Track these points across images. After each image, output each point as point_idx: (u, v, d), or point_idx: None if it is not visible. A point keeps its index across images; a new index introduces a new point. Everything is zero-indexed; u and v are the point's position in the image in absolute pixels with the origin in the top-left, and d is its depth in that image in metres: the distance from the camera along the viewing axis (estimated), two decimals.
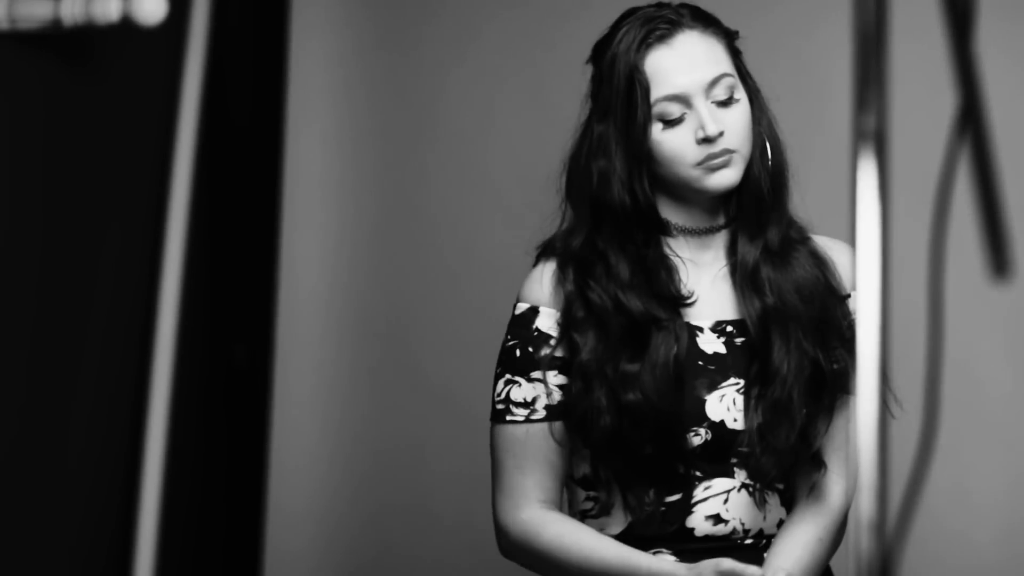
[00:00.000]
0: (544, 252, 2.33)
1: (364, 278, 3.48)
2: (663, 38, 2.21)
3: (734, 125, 2.22)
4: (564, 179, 2.32)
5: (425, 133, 3.46)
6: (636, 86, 2.20)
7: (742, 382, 2.24)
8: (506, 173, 3.40)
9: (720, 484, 2.25)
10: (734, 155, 2.22)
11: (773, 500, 2.28)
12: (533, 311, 2.29)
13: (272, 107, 3.37)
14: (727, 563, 2.15)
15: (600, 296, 2.24)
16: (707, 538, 2.25)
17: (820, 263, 2.30)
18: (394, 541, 3.44)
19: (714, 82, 2.21)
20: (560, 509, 2.31)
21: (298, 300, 3.45)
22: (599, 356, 2.22)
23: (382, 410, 3.46)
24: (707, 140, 2.20)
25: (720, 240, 2.31)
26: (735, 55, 2.27)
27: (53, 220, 2.22)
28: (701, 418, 2.22)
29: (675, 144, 2.21)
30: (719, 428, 2.23)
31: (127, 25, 2.00)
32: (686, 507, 2.25)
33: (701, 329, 2.27)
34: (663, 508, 2.25)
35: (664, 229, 2.28)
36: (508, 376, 2.29)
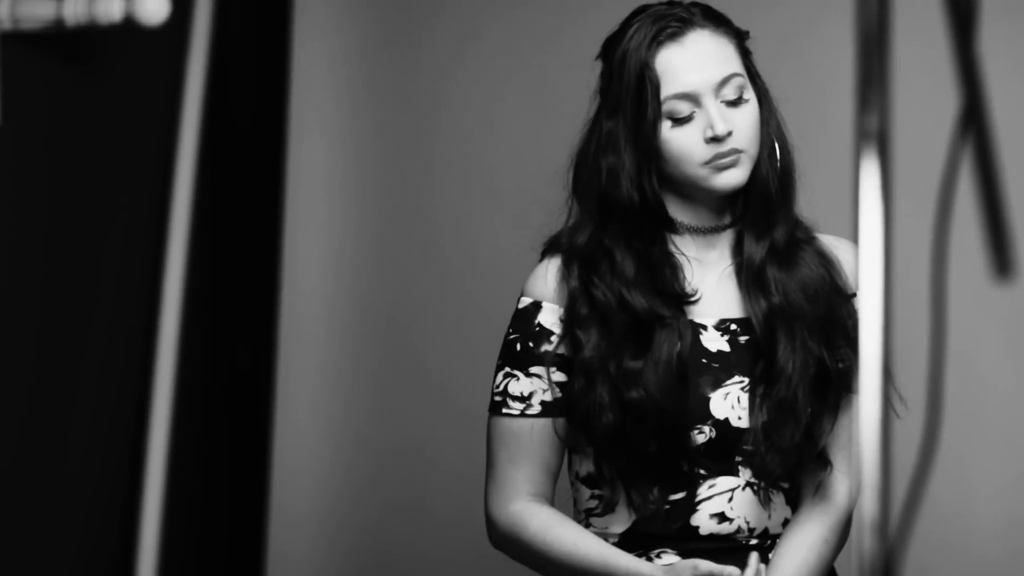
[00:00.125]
0: (549, 248, 2.33)
1: (367, 278, 3.48)
2: (674, 36, 2.22)
3: (743, 125, 2.22)
4: (571, 175, 2.32)
5: (427, 133, 3.46)
6: (646, 83, 2.20)
7: (747, 380, 2.24)
8: (509, 173, 3.40)
9: (725, 482, 2.25)
10: (742, 155, 2.22)
11: (778, 499, 2.28)
12: (536, 306, 2.30)
13: (275, 107, 3.38)
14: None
15: (604, 293, 2.24)
16: (712, 537, 2.25)
17: (826, 262, 2.30)
18: (396, 541, 3.44)
19: (724, 82, 2.22)
20: (553, 504, 2.32)
21: (301, 300, 3.45)
22: (602, 353, 2.23)
23: (385, 410, 3.46)
24: (715, 139, 2.20)
25: (726, 239, 2.31)
26: (745, 55, 2.27)
27: (56, 220, 2.22)
28: (705, 416, 2.22)
29: (683, 142, 2.21)
30: (723, 426, 2.23)
31: (130, 25, 2.00)
32: (690, 505, 2.25)
33: (705, 327, 2.27)
34: (667, 506, 2.25)
35: (671, 227, 2.29)
36: (507, 369, 2.30)
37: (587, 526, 2.31)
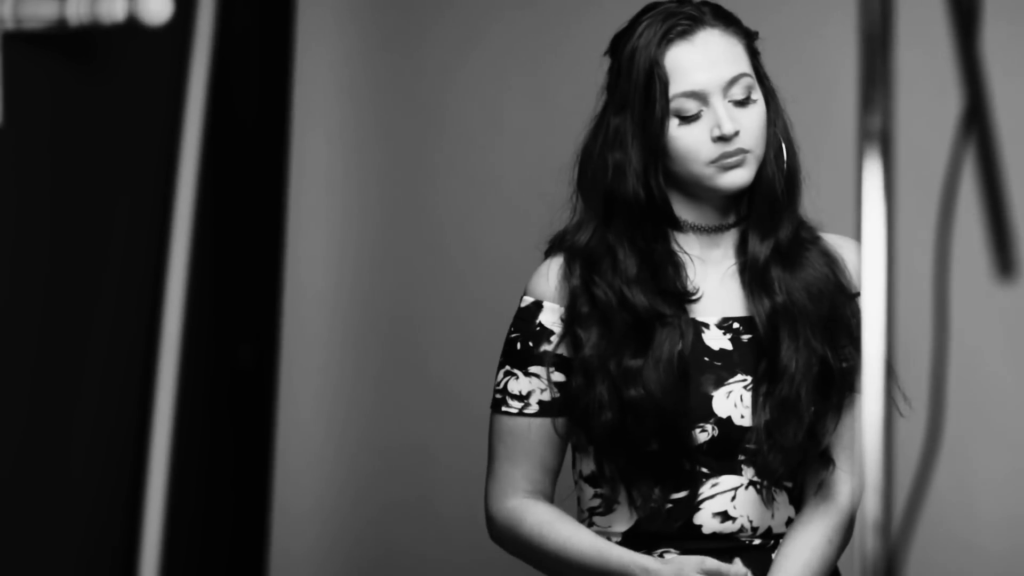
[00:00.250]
0: (553, 246, 2.33)
1: (369, 278, 3.48)
2: (684, 34, 2.22)
3: (750, 125, 2.22)
4: (576, 171, 2.32)
5: (430, 133, 3.47)
6: (655, 80, 2.21)
7: (749, 379, 2.25)
8: (511, 173, 3.40)
9: (727, 481, 2.25)
10: (748, 155, 2.23)
11: (781, 498, 2.28)
12: (537, 305, 2.30)
13: (277, 107, 3.38)
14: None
15: (605, 292, 2.24)
16: (714, 536, 2.26)
17: (831, 261, 2.31)
18: (399, 541, 3.44)
19: (732, 81, 2.22)
20: (552, 502, 2.33)
21: (304, 300, 3.46)
22: (602, 352, 2.23)
23: (387, 410, 3.46)
24: (722, 139, 2.20)
25: (730, 238, 2.31)
26: (754, 56, 2.27)
27: (59, 220, 2.22)
28: (708, 414, 2.22)
29: (690, 141, 2.21)
30: (726, 424, 2.23)
31: (133, 25, 2.00)
32: (693, 504, 2.25)
33: (707, 325, 2.27)
34: (669, 505, 2.25)
35: (675, 224, 2.29)
36: (508, 367, 2.31)
37: (590, 525, 2.31)
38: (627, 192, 2.24)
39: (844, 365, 2.26)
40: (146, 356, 2.45)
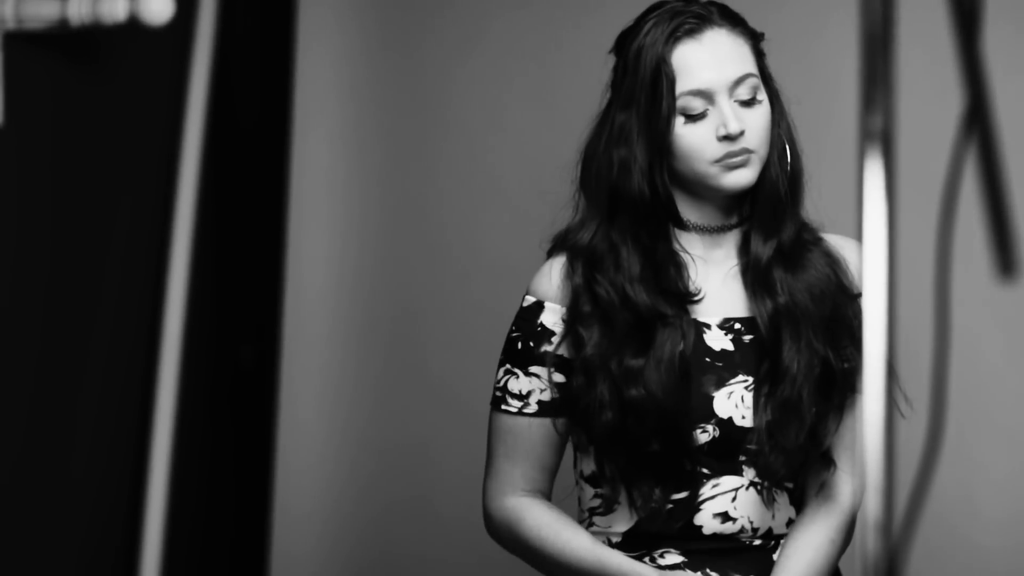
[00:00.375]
0: (556, 245, 2.33)
1: (371, 278, 3.48)
2: (692, 32, 2.22)
3: (755, 126, 2.22)
4: (579, 169, 2.32)
5: (432, 133, 3.47)
6: (662, 77, 2.21)
7: (751, 379, 2.25)
8: (513, 172, 3.40)
9: (728, 482, 2.25)
10: (752, 156, 2.23)
11: (782, 499, 2.28)
12: (539, 306, 2.30)
13: (279, 107, 3.38)
14: None
15: (607, 290, 2.24)
16: (715, 536, 2.26)
17: (833, 262, 2.31)
18: (400, 541, 3.44)
19: (739, 81, 2.22)
20: (550, 500, 2.33)
21: (305, 301, 3.46)
22: (603, 351, 2.23)
23: (388, 410, 3.46)
24: (728, 138, 2.20)
25: (732, 239, 2.31)
26: (759, 56, 2.27)
27: (60, 220, 2.22)
28: (709, 415, 2.22)
29: (695, 139, 2.21)
30: (727, 425, 2.23)
31: (134, 25, 2.00)
32: (693, 505, 2.25)
33: (708, 326, 2.27)
34: (670, 506, 2.25)
35: (679, 223, 2.29)
36: (508, 366, 2.31)
37: (590, 525, 2.31)
38: (632, 189, 2.24)
39: (845, 366, 2.26)
40: (147, 356, 2.45)
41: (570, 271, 2.28)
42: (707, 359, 2.25)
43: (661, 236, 2.27)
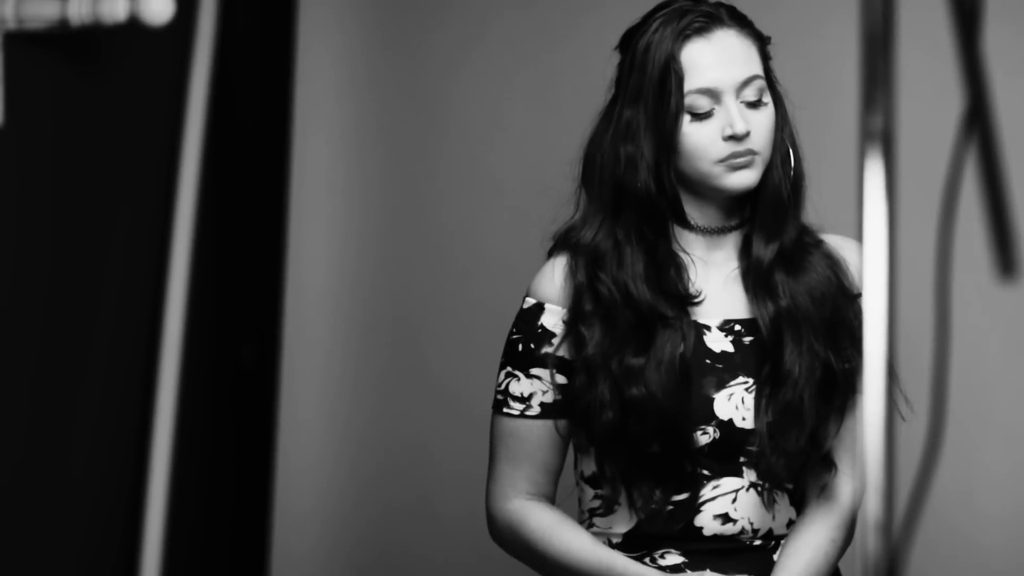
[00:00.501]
0: (557, 244, 2.33)
1: (371, 278, 3.48)
2: (701, 31, 2.22)
3: (760, 128, 2.22)
4: (581, 166, 2.32)
5: (431, 133, 3.47)
6: (671, 74, 2.21)
7: (751, 381, 2.25)
8: (513, 172, 3.40)
9: (728, 483, 2.25)
10: (756, 157, 2.23)
11: (782, 500, 2.28)
12: (539, 307, 2.30)
13: (279, 107, 3.38)
14: None
15: (609, 288, 2.24)
16: (715, 537, 2.26)
17: (833, 264, 2.31)
18: (400, 542, 3.44)
19: (746, 82, 2.22)
20: (553, 502, 2.33)
21: (305, 301, 3.46)
22: (605, 350, 2.23)
23: (389, 411, 3.46)
24: (733, 138, 2.20)
25: (732, 240, 2.31)
26: (766, 60, 2.28)
27: (60, 220, 2.22)
28: (709, 416, 2.22)
29: (700, 138, 2.21)
30: (727, 427, 2.23)
31: (134, 25, 2.00)
32: (693, 506, 2.25)
33: (708, 328, 2.27)
34: (670, 507, 2.25)
35: (683, 221, 2.29)
36: (509, 369, 2.31)
37: (590, 526, 2.31)
38: (638, 185, 2.24)
39: (846, 367, 2.26)
40: (148, 356, 2.45)
41: (572, 270, 2.28)
42: (707, 361, 2.25)
43: (662, 236, 2.27)
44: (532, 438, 2.30)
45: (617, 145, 2.25)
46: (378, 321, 3.48)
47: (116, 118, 2.33)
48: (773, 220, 2.28)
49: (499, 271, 3.31)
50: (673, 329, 2.23)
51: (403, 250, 3.47)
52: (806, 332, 2.24)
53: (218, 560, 3.07)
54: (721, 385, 2.24)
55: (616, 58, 2.31)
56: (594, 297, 2.25)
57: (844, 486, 2.30)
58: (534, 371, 2.29)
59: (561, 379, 2.28)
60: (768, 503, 2.27)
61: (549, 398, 2.28)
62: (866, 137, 1.29)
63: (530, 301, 2.31)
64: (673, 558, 2.26)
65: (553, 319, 2.29)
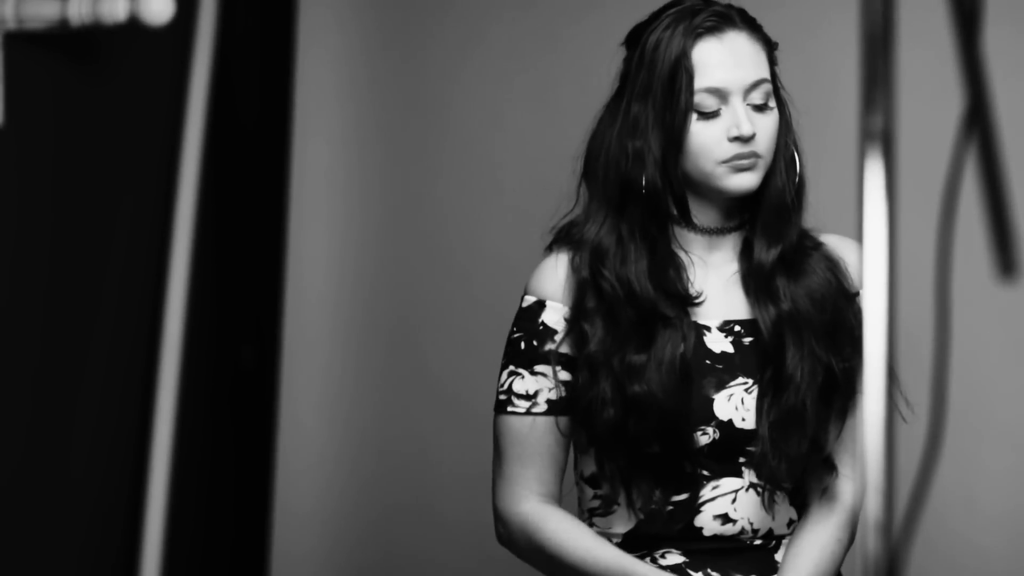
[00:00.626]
0: (558, 240, 2.33)
1: (371, 279, 3.48)
2: (713, 31, 2.22)
3: (764, 132, 2.23)
4: (583, 160, 2.32)
5: (431, 133, 3.47)
6: (681, 71, 2.21)
7: (751, 381, 2.25)
8: (514, 173, 3.40)
9: (728, 484, 2.25)
10: (759, 161, 2.23)
11: (782, 500, 2.28)
12: (540, 305, 2.29)
13: (279, 107, 3.38)
14: None
15: (612, 285, 2.23)
16: (716, 538, 2.26)
17: (832, 265, 2.31)
18: (400, 542, 3.44)
19: (754, 85, 2.22)
20: (560, 503, 2.32)
21: (305, 301, 3.46)
22: (607, 347, 2.22)
23: (389, 411, 3.46)
24: (739, 139, 2.21)
25: (730, 242, 2.31)
26: (772, 65, 2.28)
27: (60, 221, 2.22)
28: (709, 417, 2.22)
29: (706, 137, 2.22)
30: (727, 427, 2.23)
31: (134, 25, 2.00)
32: (693, 507, 2.25)
33: (708, 328, 2.27)
34: (670, 507, 2.25)
35: (686, 219, 2.28)
36: (512, 368, 2.30)
37: (590, 526, 2.31)
38: (645, 180, 2.23)
39: (844, 366, 2.26)
40: (148, 357, 2.45)
41: (576, 267, 2.28)
42: (707, 361, 2.25)
43: (662, 234, 2.27)
44: (540, 435, 2.28)
45: (624, 140, 2.25)
46: (378, 321, 3.48)
47: (116, 118, 2.33)
48: (776, 224, 2.28)
49: (499, 271, 3.31)
50: (674, 329, 2.23)
51: (403, 250, 3.47)
52: (807, 336, 2.24)
53: (218, 560, 3.07)
54: (721, 386, 2.24)
55: (619, 54, 2.31)
56: (597, 294, 2.25)
57: (845, 485, 2.30)
58: (538, 368, 2.28)
59: (565, 375, 2.27)
60: (768, 503, 2.27)
61: (555, 395, 2.27)
62: (866, 137, 1.29)
63: (530, 299, 2.31)
64: (674, 558, 2.26)
65: (555, 316, 2.28)
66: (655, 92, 2.22)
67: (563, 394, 2.27)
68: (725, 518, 2.26)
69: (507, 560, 2.41)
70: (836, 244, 2.34)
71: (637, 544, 2.27)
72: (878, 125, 1.29)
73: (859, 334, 2.26)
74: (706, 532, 2.25)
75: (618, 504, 2.27)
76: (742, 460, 2.25)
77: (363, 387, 3.47)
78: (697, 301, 2.27)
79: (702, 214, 2.30)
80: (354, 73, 3.49)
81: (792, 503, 2.30)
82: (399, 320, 3.47)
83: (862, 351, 1.29)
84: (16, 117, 1.99)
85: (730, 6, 2.28)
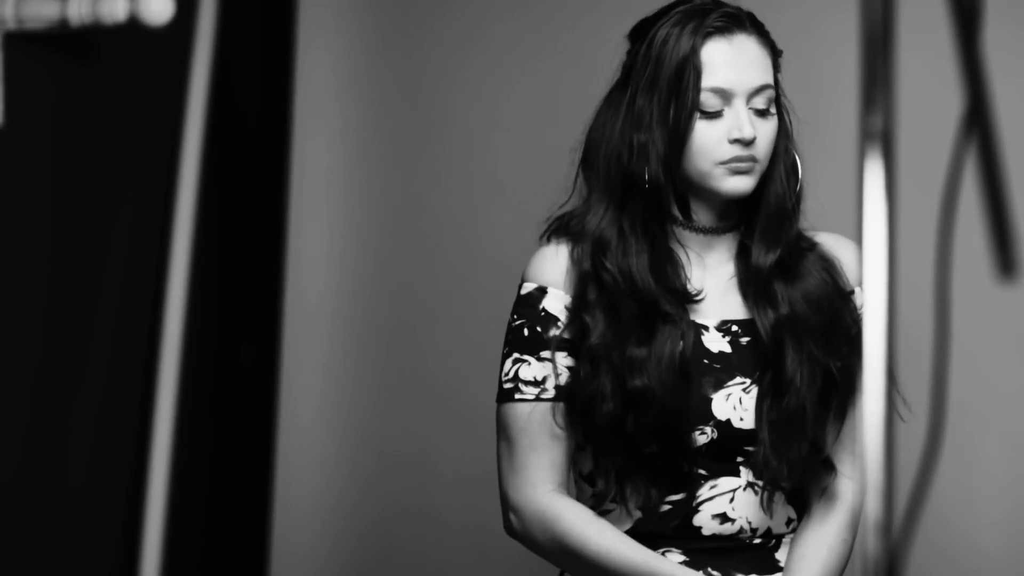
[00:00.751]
0: (557, 230, 2.32)
1: (371, 279, 3.48)
2: (723, 31, 2.22)
3: (764, 137, 2.23)
4: (582, 151, 2.31)
5: (431, 133, 3.47)
6: (689, 69, 2.21)
7: (748, 381, 2.25)
8: (514, 173, 3.40)
9: (726, 483, 2.25)
10: (756, 165, 2.23)
11: (780, 499, 2.28)
12: (541, 291, 2.29)
13: (279, 108, 3.38)
14: None
15: (614, 277, 2.23)
16: (715, 537, 2.26)
17: (828, 266, 2.31)
18: (400, 542, 3.44)
19: (759, 90, 2.23)
20: (569, 493, 2.30)
21: (305, 301, 3.46)
22: (608, 341, 2.22)
23: (388, 411, 3.46)
24: (739, 141, 2.21)
25: (726, 243, 2.31)
26: (776, 71, 2.28)
27: (60, 221, 2.22)
28: (707, 417, 2.22)
29: (707, 137, 2.22)
30: (725, 427, 2.23)
31: (134, 25, 2.00)
32: (691, 506, 2.24)
33: (706, 328, 2.27)
34: (668, 507, 2.25)
35: (685, 216, 2.28)
36: (516, 355, 2.28)
37: None
38: (648, 174, 2.23)
39: (841, 364, 2.26)
40: (148, 357, 2.45)
41: (578, 258, 2.27)
42: (705, 361, 2.25)
43: (661, 230, 2.27)
44: (551, 422, 2.26)
45: (627, 133, 2.25)
46: (378, 321, 3.48)
47: (116, 118, 2.33)
48: (775, 230, 2.28)
49: (499, 271, 3.30)
50: (673, 326, 2.23)
51: (403, 250, 3.47)
52: (806, 340, 2.24)
53: (218, 560, 3.07)
54: (719, 385, 2.24)
55: (620, 54, 2.31)
56: (598, 286, 2.24)
57: (847, 486, 2.30)
58: (544, 354, 2.27)
59: (569, 361, 2.26)
60: (766, 503, 2.26)
61: (562, 380, 2.26)
62: (866, 137, 1.29)
63: (530, 286, 2.30)
64: (674, 557, 2.26)
65: (556, 304, 2.27)
66: (661, 87, 2.22)
67: (569, 380, 2.26)
68: (723, 517, 2.26)
69: (507, 560, 2.40)
70: (831, 243, 2.34)
71: (637, 543, 2.27)
72: (878, 125, 1.29)
73: (856, 332, 2.27)
74: (705, 531, 2.25)
75: (615, 503, 2.27)
76: (739, 460, 2.25)
77: (363, 387, 3.47)
78: (698, 299, 2.27)
79: (698, 213, 2.30)
80: (354, 73, 3.49)
81: (790, 502, 2.30)
82: (399, 320, 3.47)
83: (859, 350, 1.29)
84: (16, 117, 1.99)
85: (739, 9, 2.28)
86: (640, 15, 2.31)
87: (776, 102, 2.27)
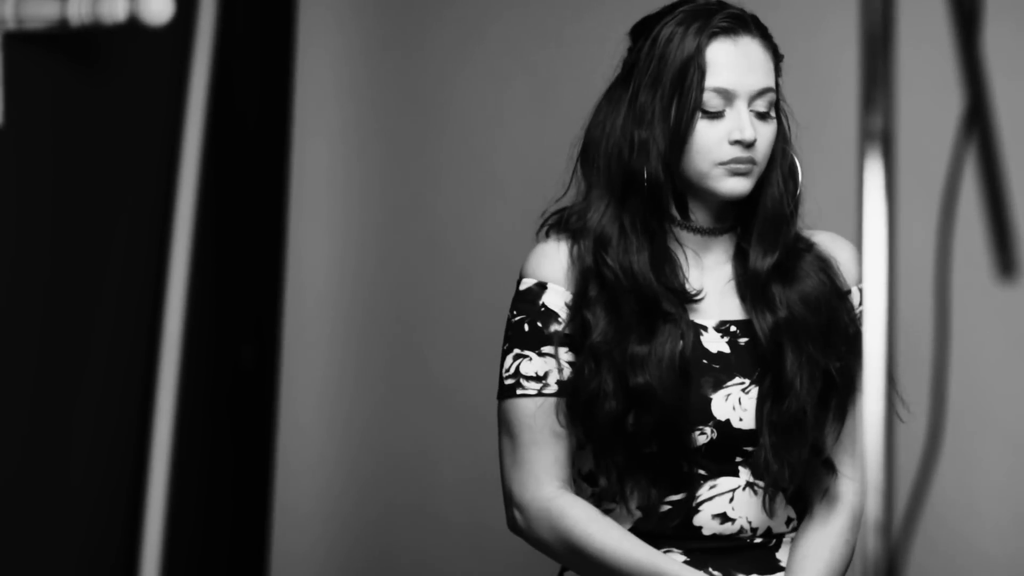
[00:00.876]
0: (556, 226, 2.32)
1: (370, 279, 3.48)
2: (728, 32, 2.22)
3: (763, 140, 2.23)
4: (581, 147, 2.31)
5: (431, 133, 3.47)
6: (693, 67, 2.21)
7: (747, 381, 2.25)
8: (513, 172, 3.40)
9: (725, 483, 2.25)
10: (754, 168, 2.23)
11: (780, 499, 2.29)
12: (540, 287, 2.28)
13: (278, 108, 3.38)
14: None
15: (615, 273, 2.23)
16: (715, 537, 2.26)
17: (825, 266, 2.31)
18: (400, 543, 3.44)
19: (761, 93, 2.23)
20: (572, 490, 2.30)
21: (305, 301, 3.46)
22: (609, 338, 2.21)
23: (389, 412, 3.46)
24: (739, 143, 2.21)
25: (723, 244, 2.31)
26: (777, 76, 2.28)
27: (60, 221, 2.22)
28: (707, 417, 2.22)
29: (707, 137, 2.22)
30: (725, 427, 2.23)
31: (134, 25, 2.00)
32: (691, 506, 2.24)
33: (705, 328, 2.27)
34: (668, 507, 2.25)
35: (683, 215, 2.28)
36: (517, 351, 2.27)
37: None
38: (649, 171, 2.23)
39: (840, 364, 2.26)
40: (147, 356, 2.45)
41: (579, 254, 2.26)
42: (704, 361, 2.25)
43: (660, 228, 2.27)
44: (554, 416, 2.26)
45: (628, 129, 2.25)
46: (378, 320, 3.48)
47: (116, 118, 2.33)
48: (772, 234, 2.28)
49: (499, 271, 3.30)
50: (673, 325, 2.23)
51: (403, 250, 3.47)
52: (805, 342, 2.24)
53: (218, 560, 3.07)
54: (718, 386, 2.24)
55: (620, 54, 2.30)
56: (599, 282, 2.24)
57: (848, 487, 2.30)
58: (545, 349, 2.26)
59: (571, 356, 2.25)
60: (767, 504, 2.27)
61: (564, 376, 2.26)
62: (866, 137, 1.29)
63: (529, 281, 2.30)
64: (675, 557, 2.26)
65: (557, 299, 2.27)
66: (664, 84, 2.22)
67: (570, 375, 2.25)
68: (723, 517, 2.26)
69: (507, 560, 2.40)
70: (827, 243, 2.34)
71: None
72: (878, 125, 1.29)
73: (854, 332, 2.27)
74: (705, 531, 2.25)
75: (615, 502, 2.27)
76: (738, 460, 2.25)
77: (363, 387, 3.47)
78: (697, 298, 2.27)
79: (695, 213, 2.30)
80: (354, 73, 3.49)
81: (790, 502, 2.30)
82: (398, 319, 3.47)
83: (857, 349, 1.29)
84: (16, 117, 1.99)
85: (744, 11, 2.28)
86: (639, 14, 2.31)
87: (776, 106, 2.27)
